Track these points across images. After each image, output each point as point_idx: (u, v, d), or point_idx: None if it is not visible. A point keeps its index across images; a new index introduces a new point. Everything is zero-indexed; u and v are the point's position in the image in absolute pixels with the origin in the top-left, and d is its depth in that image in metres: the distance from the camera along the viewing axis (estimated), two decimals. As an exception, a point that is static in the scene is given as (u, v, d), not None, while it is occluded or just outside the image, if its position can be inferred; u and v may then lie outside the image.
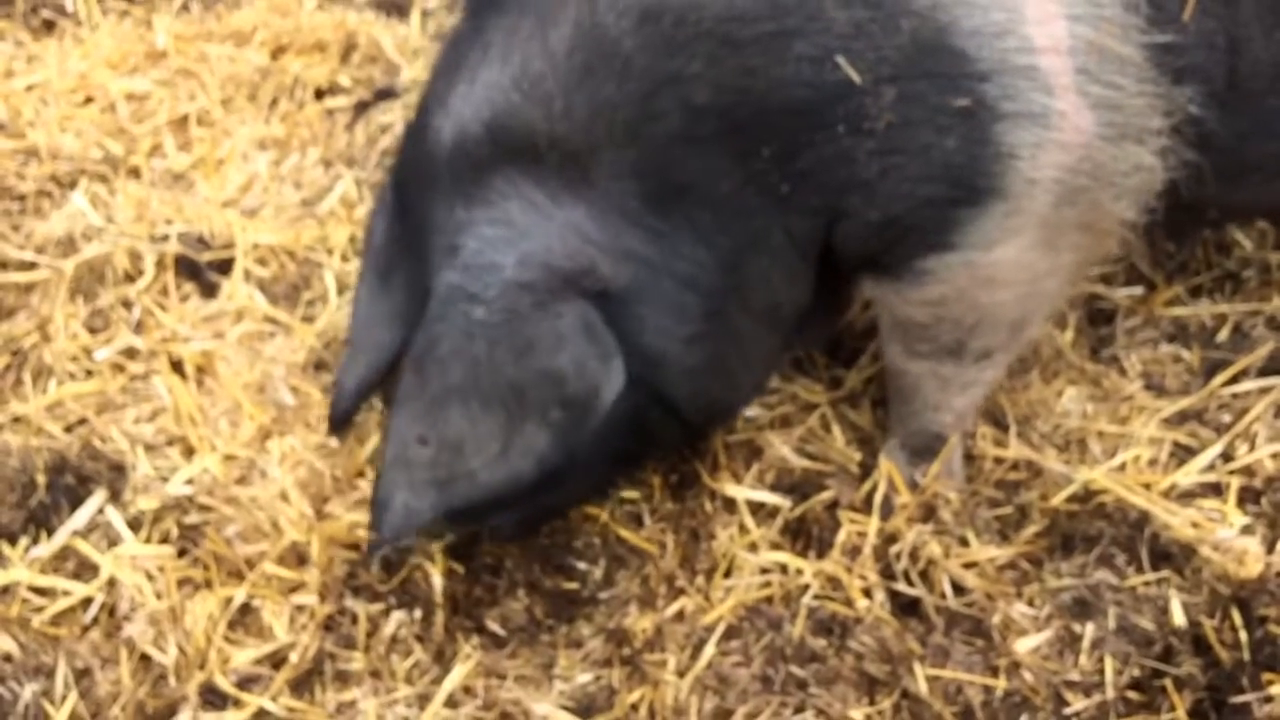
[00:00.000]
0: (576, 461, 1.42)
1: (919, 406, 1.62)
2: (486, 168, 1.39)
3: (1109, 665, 1.47)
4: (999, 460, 1.72)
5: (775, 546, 1.61)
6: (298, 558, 1.57)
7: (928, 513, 1.63)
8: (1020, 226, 1.41)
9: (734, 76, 1.34)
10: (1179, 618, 1.51)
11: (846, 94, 1.33)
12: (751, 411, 1.79)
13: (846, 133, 1.35)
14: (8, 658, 1.45)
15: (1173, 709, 1.44)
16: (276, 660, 1.49)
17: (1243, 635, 1.49)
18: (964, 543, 1.60)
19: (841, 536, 1.60)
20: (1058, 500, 1.64)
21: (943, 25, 1.31)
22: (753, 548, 1.60)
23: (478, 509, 1.41)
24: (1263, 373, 1.79)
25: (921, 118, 1.34)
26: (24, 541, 1.59)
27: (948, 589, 1.54)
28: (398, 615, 1.51)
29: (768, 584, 1.56)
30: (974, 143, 1.35)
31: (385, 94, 2.40)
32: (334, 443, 1.73)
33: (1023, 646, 1.49)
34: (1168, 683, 1.46)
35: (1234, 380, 1.78)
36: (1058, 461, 1.70)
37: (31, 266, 1.97)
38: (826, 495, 1.66)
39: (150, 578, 1.53)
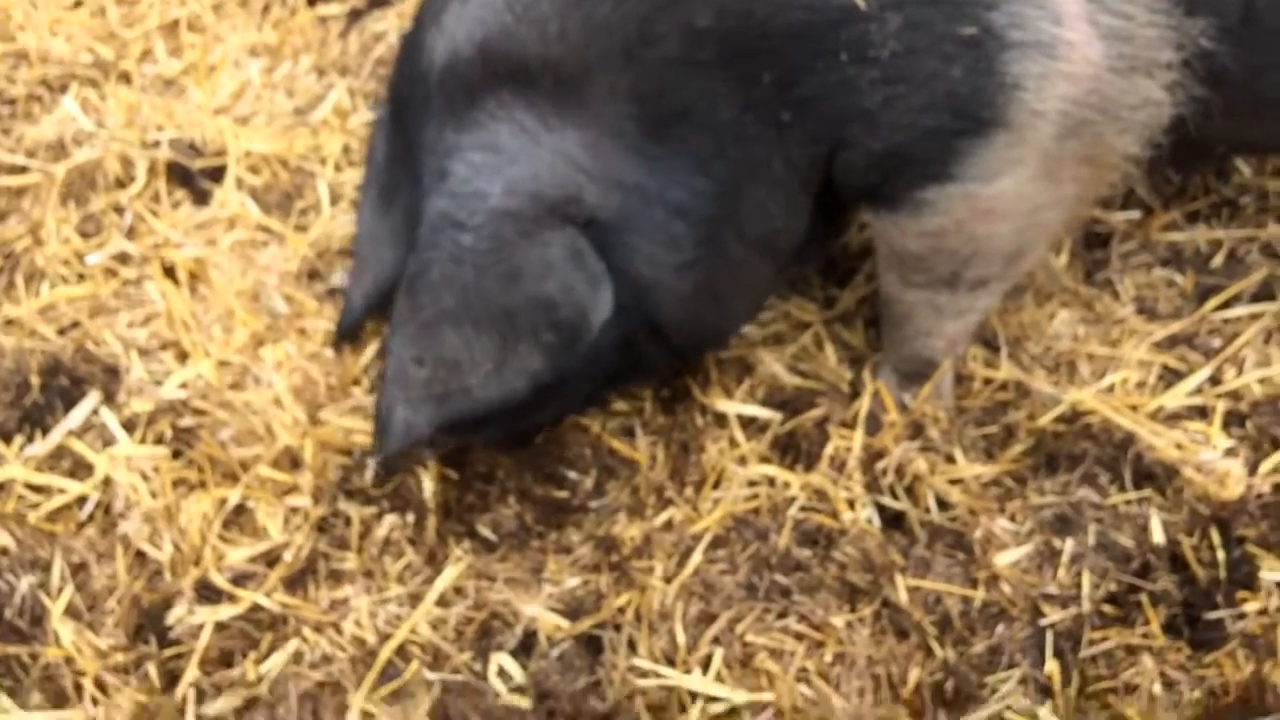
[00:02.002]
0: (569, 380, 1.43)
1: (911, 333, 1.63)
2: (478, 90, 1.38)
3: (1086, 579, 1.50)
4: (988, 381, 1.73)
5: (764, 460, 1.63)
6: (291, 461, 1.58)
7: (915, 430, 1.64)
8: (1022, 158, 1.40)
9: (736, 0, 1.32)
10: (1158, 536, 1.54)
11: (850, 19, 1.31)
12: (744, 328, 1.80)
13: (849, 60, 1.33)
14: (4, 551, 1.47)
15: (1147, 623, 1.47)
16: (270, 559, 1.51)
17: (1220, 554, 1.52)
18: (950, 460, 1.62)
19: (829, 450, 1.62)
20: (1044, 420, 1.65)
21: None
22: (742, 461, 1.62)
23: (473, 423, 1.42)
24: (1254, 299, 1.80)
25: (927, 46, 1.32)
26: (19, 440, 1.60)
27: (932, 504, 1.57)
28: (390, 518, 1.53)
29: (755, 496, 1.58)
30: (979, 72, 1.33)
31: (379, 2, 2.36)
32: (328, 351, 1.74)
33: (1002, 560, 1.52)
34: (1143, 598, 1.49)
35: (1225, 305, 1.79)
36: (1046, 383, 1.71)
37: (22, 170, 1.96)
38: (817, 412, 1.67)
39: (145, 478, 1.54)
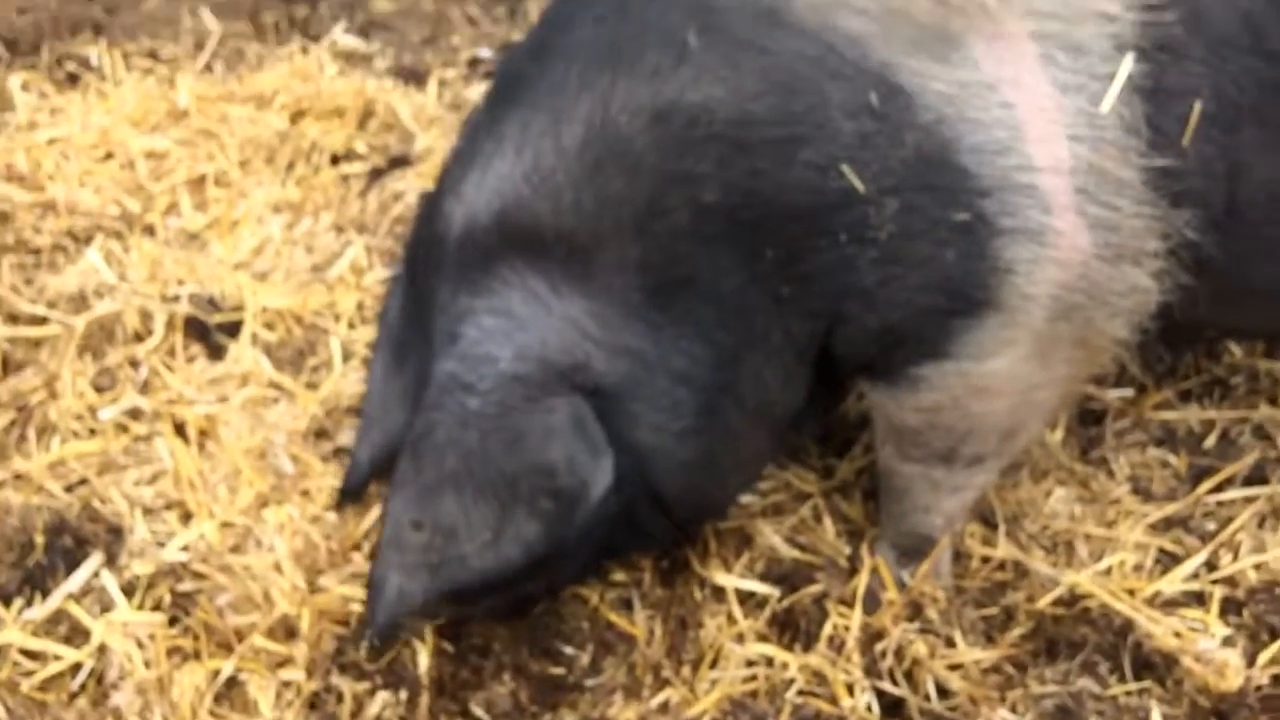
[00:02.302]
0: (566, 550, 1.44)
1: (909, 507, 1.65)
2: (493, 256, 1.43)
3: (1087, 775, 1.48)
4: (986, 559, 1.74)
5: (762, 638, 1.62)
6: (287, 631, 1.58)
7: (914, 610, 1.64)
8: (1015, 339, 1.44)
9: (742, 178, 1.37)
10: (1159, 729, 1.52)
11: (850, 202, 1.36)
12: (743, 498, 1.81)
13: (849, 240, 1.38)
14: (-4, 723, 1.47)
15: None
16: (261, 735, 1.50)
17: (1221, 750, 1.50)
18: (950, 643, 1.61)
19: (828, 629, 1.61)
20: (1044, 603, 1.65)
21: (945, 141, 1.35)
22: (740, 638, 1.62)
23: (469, 593, 1.43)
24: (1248, 481, 1.82)
25: (922, 230, 1.37)
26: (19, 603, 1.61)
27: (932, 691, 1.55)
28: (383, 695, 1.52)
29: (753, 677, 1.57)
30: (972, 256, 1.38)
31: (399, 162, 2.45)
32: (331, 515, 1.75)
33: (1003, 753, 1.50)
34: (1145, 794, 1.47)
35: (1219, 488, 1.80)
36: (1044, 563, 1.72)
37: (43, 321, 2.01)
38: (815, 588, 1.68)
39: (140, 645, 1.54)
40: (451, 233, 1.46)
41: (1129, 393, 1.95)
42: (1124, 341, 1.49)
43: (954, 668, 1.58)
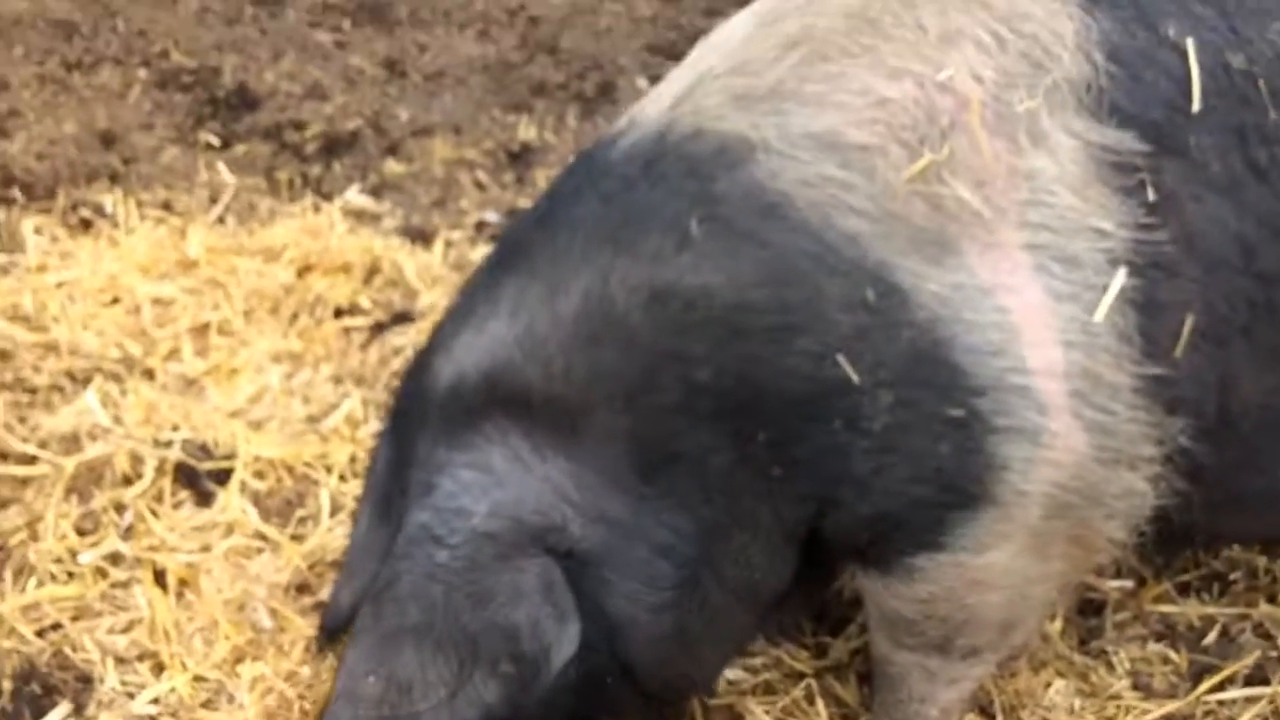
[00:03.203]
0: (526, 717, 1.39)
1: (904, 696, 1.60)
2: (477, 413, 1.43)
3: None
4: (983, 752, 1.68)
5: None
6: (253, 797, 1.51)
7: (909, 804, 1.58)
8: (1010, 534, 1.43)
9: (737, 362, 1.39)
10: None
11: (844, 392, 1.37)
12: (734, 674, 1.76)
13: (842, 428, 1.39)
14: None
15: None
16: None
17: None
18: (944, 841, 1.55)
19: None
20: (1043, 803, 1.59)
21: (940, 339, 1.37)
22: (727, 826, 1.55)
23: None
24: (1249, 681, 1.78)
25: (916, 423, 1.38)
26: (-25, 752, 1.54)
27: None
28: None
29: None
30: (966, 451, 1.39)
31: (402, 317, 2.48)
32: (305, 670, 1.70)
33: None
34: None
35: (1220, 687, 1.77)
36: (1043, 757, 1.66)
37: (32, 460, 1.99)
38: (806, 776, 1.62)
39: (97, 807, 1.47)
40: (438, 388, 1.46)
41: (1129, 584, 1.93)
42: (1120, 542, 1.49)
43: None
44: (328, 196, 2.84)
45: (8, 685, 1.61)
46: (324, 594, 1.84)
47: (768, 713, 1.71)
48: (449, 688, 1.34)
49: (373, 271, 2.57)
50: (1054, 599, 1.60)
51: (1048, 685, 1.78)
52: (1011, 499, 1.40)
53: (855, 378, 1.36)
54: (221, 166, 2.85)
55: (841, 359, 1.36)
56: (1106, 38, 1.40)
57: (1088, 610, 1.91)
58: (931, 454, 1.38)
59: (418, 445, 1.46)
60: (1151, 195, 1.38)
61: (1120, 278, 1.37)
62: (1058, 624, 1.87)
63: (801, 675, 1.78)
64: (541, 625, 1.36)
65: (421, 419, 1.48)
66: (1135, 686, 1.79)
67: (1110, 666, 1.82)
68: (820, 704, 1.74)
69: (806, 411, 1.39)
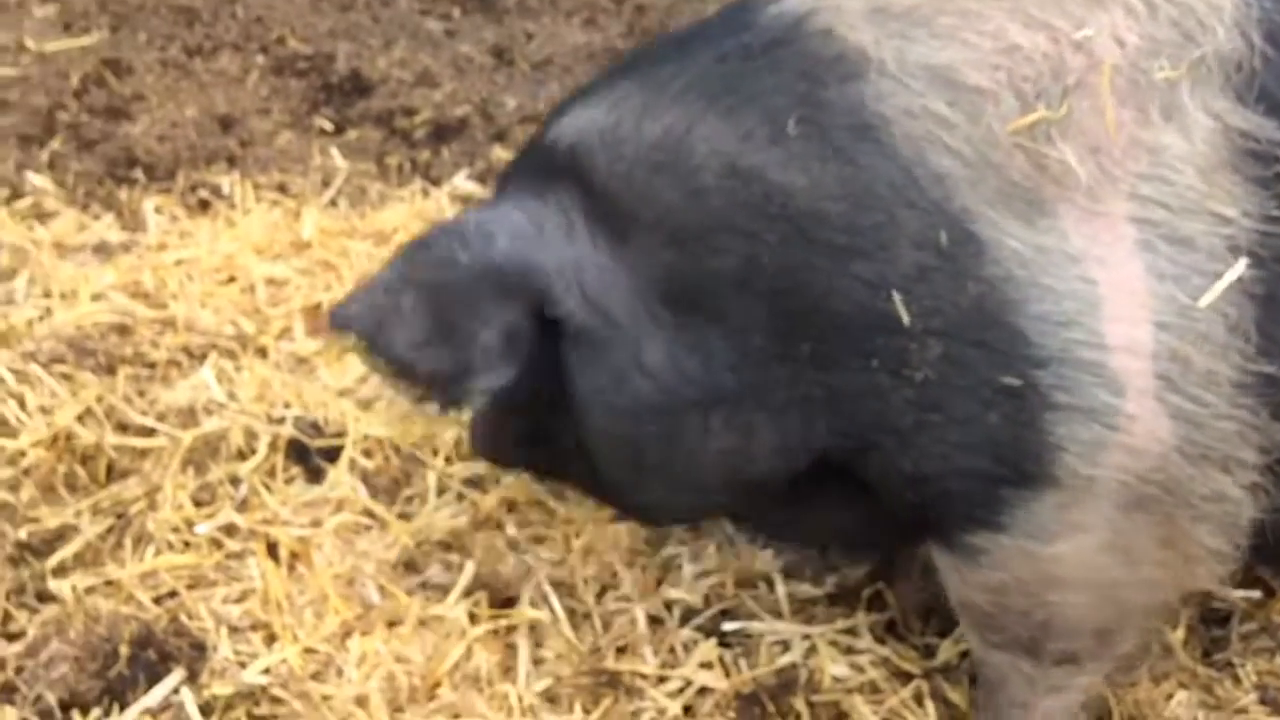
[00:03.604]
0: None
1: (1004, 701, 1.56)
2: (556, 175, 1.48)
3: None
4: (1101, 762, 1.62)
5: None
6: (362, 768, 1.52)
7: (1021, 813, 1.53)
8: (1081, 524, 1.37)
9: (798, 266, 1.37)
10: None
11: (891, 330, 1.34)
12: (839, 671, 1.73)
13: (880, 368, 1.36)
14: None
15: None
16: None
17: None
18: None
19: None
20: (1164, 816, 1.53)
21: (1009, 300, 1.32)
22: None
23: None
24: (1389, 702, 1.69)
25: (964, 383, 1.34)
26: (96, 712, 1.58)
27: None
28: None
29: None
30: (1019, 425, 1.34)
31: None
32: (414, 650, 1.71)
33: None
34: None
35: (1358, 707, 1.68)
36: (1165, 771, 1.60)
37: (150, 433, 2.04)
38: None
39: (212, 771, 1.49)
40: (542, 139, 1.54)
41: (1256, 594, 1.84)
42: (1218, 552, 1.41)
43: None
44: (436, 182, 2.86)
45: (125, 650, 1.64)
46: (430, 573, 1.86)
47: (874, 712, 1.67)
48: (423, 338, 1.43)
49: (479, 256, 2.58)
50: (1159, 608, 1.53)
51: (1169, 697, 1.71)
52: (1075, 483, 1.34)
53: (906, 318, 1.33)
54: (334, 151, 2.88)
55: (896, 295, 1.32)
56: (1268, 17, 1.33)
57: (1211, 619, 1.83)
58: (979, 421, 1.34)
59: (506, 182, 1.58)
60: None
61: (1239, 267, 1.30)
62: (1180, 633, 1.79)
63: (909, 676, 1.74)
64: (489, 352, 1.44)
65: (524, 152, 1.61)
66: (1263, 701, 1.71)
67: (1236, 679, 1.75)
68: (930, 705, 1.69)
69: (849, 340, 1.36)
